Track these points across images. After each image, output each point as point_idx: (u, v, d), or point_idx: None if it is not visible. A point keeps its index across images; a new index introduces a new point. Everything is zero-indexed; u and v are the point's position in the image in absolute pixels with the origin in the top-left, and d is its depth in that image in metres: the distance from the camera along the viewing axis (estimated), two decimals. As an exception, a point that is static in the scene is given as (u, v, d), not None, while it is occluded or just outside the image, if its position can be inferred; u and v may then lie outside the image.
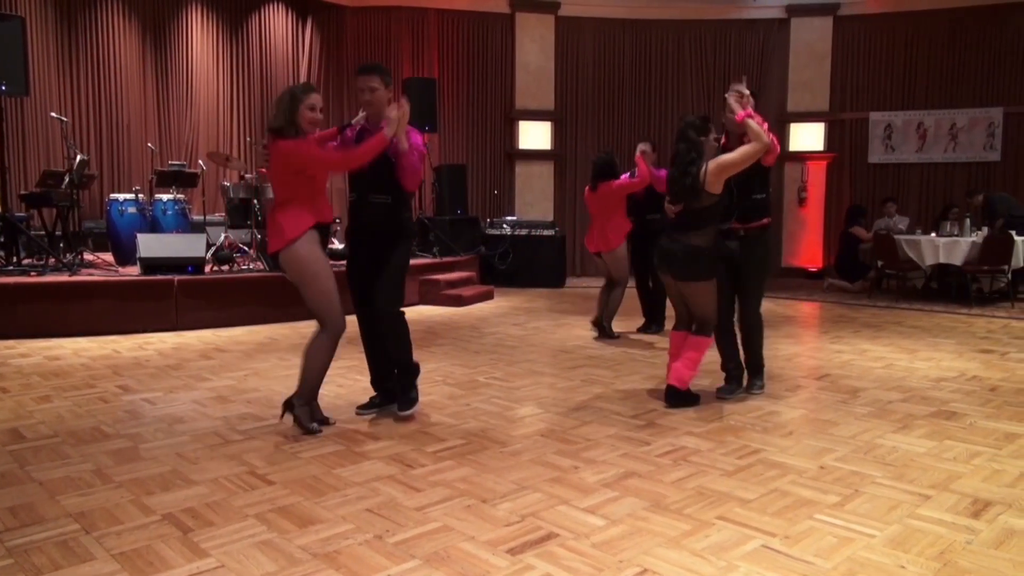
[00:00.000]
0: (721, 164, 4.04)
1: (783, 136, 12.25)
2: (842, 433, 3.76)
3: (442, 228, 10.06)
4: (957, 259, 8.72)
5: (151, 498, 2.85)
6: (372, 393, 4.18)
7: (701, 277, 4.14)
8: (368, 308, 3.95)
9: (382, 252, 3.84)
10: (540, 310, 8.42)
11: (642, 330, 6.78)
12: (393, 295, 3.87)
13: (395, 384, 4.05)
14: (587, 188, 6.60)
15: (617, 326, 6.60)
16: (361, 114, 3.89)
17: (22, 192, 8.27)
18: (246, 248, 7.96)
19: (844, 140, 12.26)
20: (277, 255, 3.57)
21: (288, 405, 3.75)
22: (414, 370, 4.01)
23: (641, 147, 6.41)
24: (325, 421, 3.80)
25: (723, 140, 4.32)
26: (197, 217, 8.80)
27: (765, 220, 4.43)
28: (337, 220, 10.66)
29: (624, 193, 6.36)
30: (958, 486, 3.03)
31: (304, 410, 3.70)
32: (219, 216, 9.35)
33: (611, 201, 6.38)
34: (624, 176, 6.49)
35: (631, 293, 6.74)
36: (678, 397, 4.22)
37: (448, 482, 3.04)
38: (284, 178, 3.59)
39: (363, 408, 4.11)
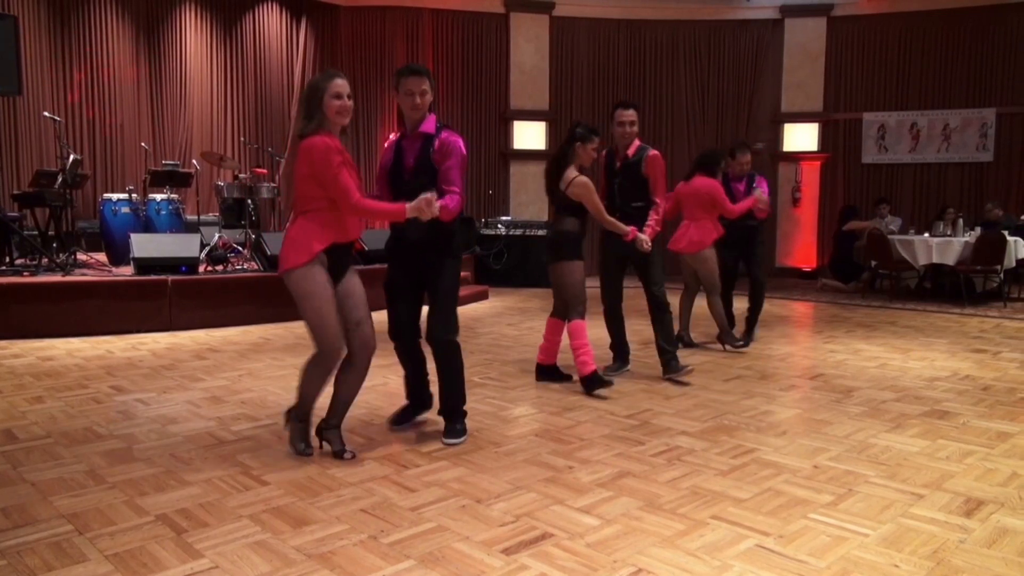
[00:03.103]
0: (583, 193, 4.47)
1: (777, 137, 12.32)
2: (836, 432, 3.77)
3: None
4: (950, 259, 8.76)
5: (145, 499, 2.84)
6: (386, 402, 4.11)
7: (564, 257, 4.54)
8: (408, 329, 3.64)
9: (429, 271, 3.51)
10: (535, 310, 8.43)
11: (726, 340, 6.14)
12: (450, 321, 3.54)
13: (439, 405, 3.70)
14: (681, 181, 5.92)
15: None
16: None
17: (15, 192, 8.24)
18: (240, 248, 7.95)
19: (838, 140, 12.31)
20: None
21: (287, 415, 3.48)
22: (463, 400, 3.66)
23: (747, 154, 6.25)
24: (341, 453, 3.33)
25: (603, 155, 4.92)
26: (191, 217, 8.78)
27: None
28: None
29: (717, 201, 5.68)
30: (951, 485, 3.05)
31: (296, 427, 3.40)
32: (213, 216, 9.33)
33: (703, 200, 5.71)
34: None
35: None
36: (591, 383, 4.52)
37: (443, 482, 3.04)
38: (305, 184, 3.13)
39: (397, 422, 3.80)
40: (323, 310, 3.14)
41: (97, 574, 2.27)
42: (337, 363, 3.22)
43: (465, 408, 3.67)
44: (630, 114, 4.79)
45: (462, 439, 3.55)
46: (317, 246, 3.12)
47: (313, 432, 3.43)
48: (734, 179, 6.24)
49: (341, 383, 3.34)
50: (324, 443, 3.40)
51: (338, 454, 3.31)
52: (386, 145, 3.65)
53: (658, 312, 4.97)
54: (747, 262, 6.27)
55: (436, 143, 3.45)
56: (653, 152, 4.83)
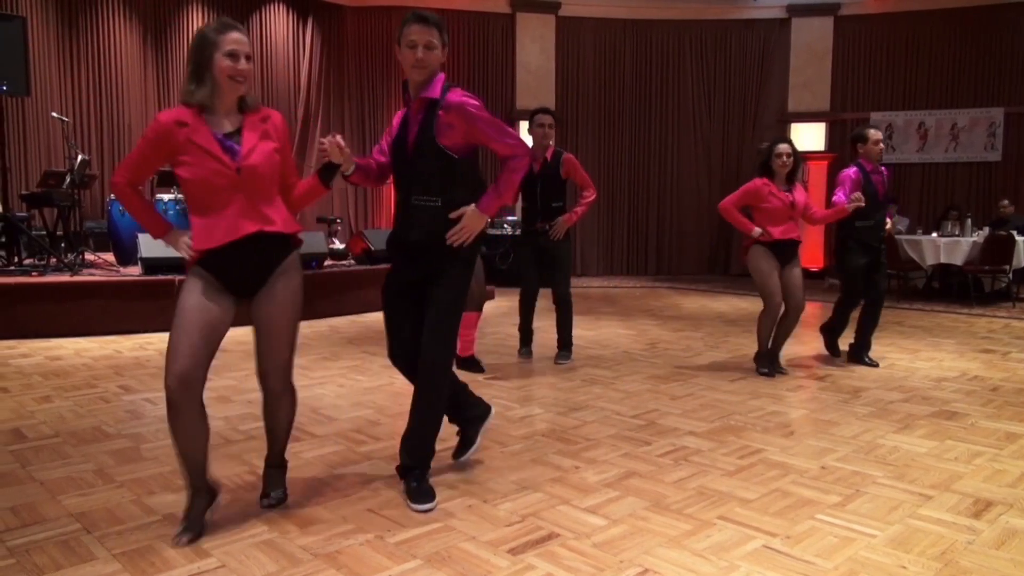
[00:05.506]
0: None
1: (784, 136, 12.29)
2: (843, 433, 3.76)
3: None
4: (958, 259, 8.73)
5: (152, 498, 2.85)
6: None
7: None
8: (410, 347, 2.89)
9: (428, 275, 2.82)
10: (540, 310, 8.38)
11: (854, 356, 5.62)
12: (447, 341, 2.83)
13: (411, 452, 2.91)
14: None
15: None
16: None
17: (23, 192, 8.27)
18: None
19: (845, 140, 12.24)
20: None
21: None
22: (433, 451, 2.94)
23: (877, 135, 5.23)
24: (264, 499, 2.80)
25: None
26: (198, 217, 8.79)
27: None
28: (338, 220, 10.70)
29: (733, 200, 5.07)
30: (959, 486, 3.03)
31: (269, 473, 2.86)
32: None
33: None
34: (800, 191, 5.11)
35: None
36: (465, 364, 4.99)
37: (449, 482, 3.04)
38: (176, 170, 2.49)
39: (457, 454, 3.25)
40: (174, 329, 2.44)
41: (105, 573, 2.27)
42: (178, 404, 2.40)
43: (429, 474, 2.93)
44: (549, 118, 5.34)
45: (434, 502, 2.78)
46: (193, 257, 2.51)
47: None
48: (873, 170, 5.24)
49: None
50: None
51: (263, 496, 2.81)
52: (395, 120, 2.95)
53: (560, 307, 5.55)
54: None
55: (440, 112, 2.73)
56: (568, 155, 5.40)
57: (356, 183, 2.95)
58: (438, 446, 3.52)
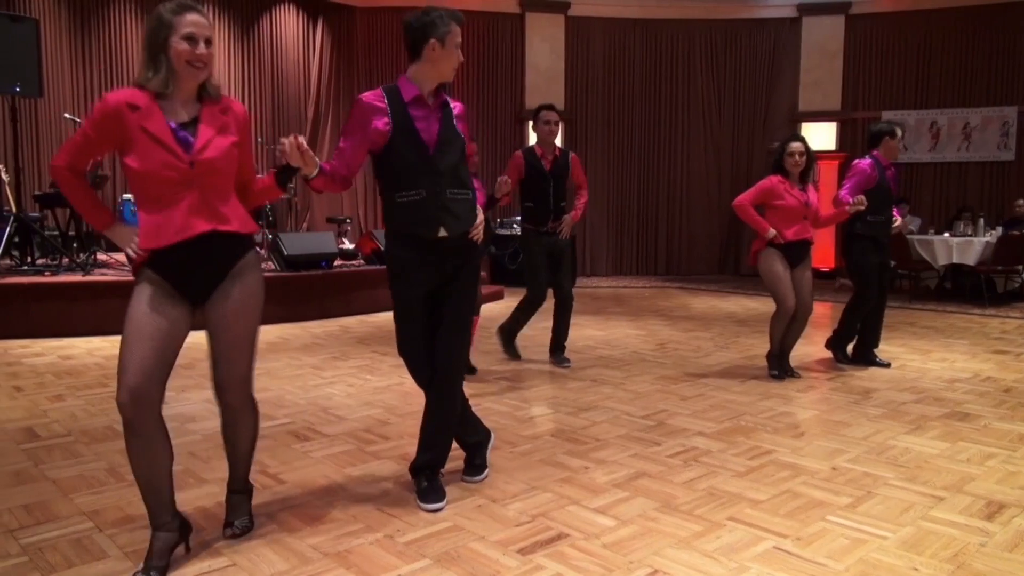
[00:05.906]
0: None
1: (797, 132, 12.23)
2: (854, 434, 3.74)
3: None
4: (971, 259, 8.67)
5: (163, 497, 2.86)
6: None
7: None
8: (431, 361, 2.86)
9: (453, 271, 2.81)
10: (550, 310, 8.40)
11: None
12: (466, 343, 2.91)
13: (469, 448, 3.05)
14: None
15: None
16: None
17: (36, 192, 8.33)
18: (257, 248, 7.98)
19: (856, 140, 12.19)
20: None
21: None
22: (442, 460, 2.92)
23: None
24: (229, 525, 2.55)
25: (519, 157, 5.29)
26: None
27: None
28: (348, 220, 10.72)
29: (748, 198, 4.92)
30: (972, 488, 3.01)
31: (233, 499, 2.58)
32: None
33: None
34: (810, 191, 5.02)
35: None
36: None
37: (459, 482, 3.04)
38: (124, 159, 2.25)
39: (468, 475, 3.11)
40: (124, 342, 2.21)
41: (116, 571, 2.29)
42: (132, 423, 2.20)
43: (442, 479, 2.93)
44: (554, 115, 5.28)
45: (444, 502, 2.78)
46: (142, 252, 2.27)
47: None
48: (887, 166, 5.26)
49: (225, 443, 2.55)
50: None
51: (227, 525, 2.54)
52: (363, 105, 2.90)
53: (565, 305, 5.52)
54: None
55: (457, 110, 2.91)
56: (574, 154, 5.43)
57: (319, 189, 2.74)
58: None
